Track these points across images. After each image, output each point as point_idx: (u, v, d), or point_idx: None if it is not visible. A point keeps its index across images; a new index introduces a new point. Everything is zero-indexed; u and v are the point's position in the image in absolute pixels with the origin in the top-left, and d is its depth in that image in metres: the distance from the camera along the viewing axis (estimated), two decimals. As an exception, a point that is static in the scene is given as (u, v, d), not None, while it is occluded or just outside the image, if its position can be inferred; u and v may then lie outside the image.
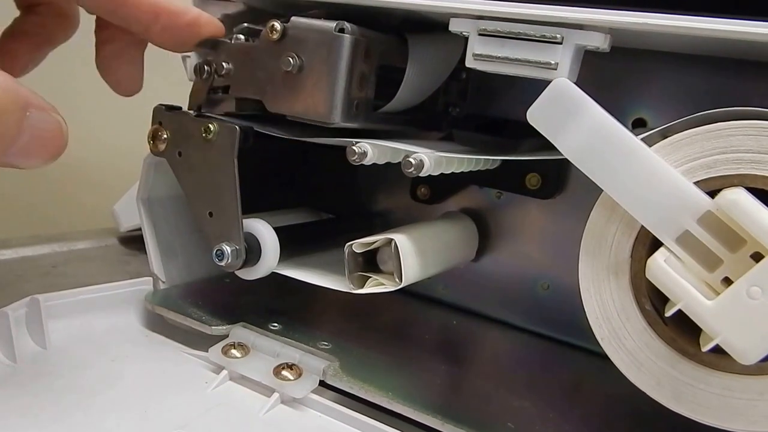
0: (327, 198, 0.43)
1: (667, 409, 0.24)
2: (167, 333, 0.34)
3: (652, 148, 0.24)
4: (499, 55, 0.27)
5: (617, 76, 0.34)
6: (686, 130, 0.24)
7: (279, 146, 0.33)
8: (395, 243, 0.30)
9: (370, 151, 0.28)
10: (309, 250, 0.36)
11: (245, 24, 0.31)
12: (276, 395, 0.29)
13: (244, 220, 0.31)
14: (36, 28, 0.30)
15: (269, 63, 0.30)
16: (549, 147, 0.25)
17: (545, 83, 0.25)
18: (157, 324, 0.35)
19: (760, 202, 0.22)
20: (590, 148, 0.24)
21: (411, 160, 0.28)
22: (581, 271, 0.26)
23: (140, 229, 0.36)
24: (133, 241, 0.50)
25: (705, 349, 0.23)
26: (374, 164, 0.29)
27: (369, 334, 0.35)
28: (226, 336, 0.33)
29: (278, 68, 0.30)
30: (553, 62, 0.26)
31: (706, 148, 0.23)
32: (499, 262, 0.39)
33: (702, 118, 0.24)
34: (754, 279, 0.21)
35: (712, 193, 0.23)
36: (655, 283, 0.23)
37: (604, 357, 0.26)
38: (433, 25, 0.31)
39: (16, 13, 0.30)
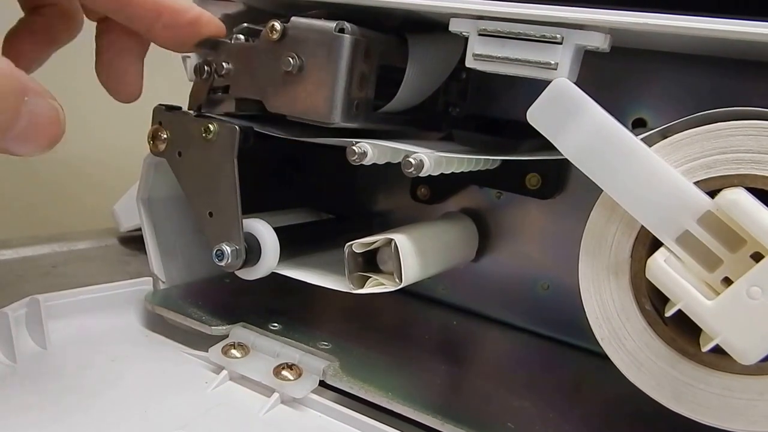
0: (327, 198, 0.43)
1: (667, 409, 0.24)
2: (167, 333, 0.34)
3: (652, 148, 0.24)
4: (499, 55, 0.27)
5: (617, 76, 0.34)
6: (686, 130, 0.24)
7: (279, 146, 0.33)
8: (395, 243, 0.30)
9: (370, 151, 0.28)
10: (309, 250, 0.36)
11: (245, 24, 0.31)
12: (276, 395, 0.29)
13: (244, 220, 0.31)
14: (40, 29, 0.30)
15: (269, 63, 0.30)
16: (549, 147, 0.25)
17: (545, 83, 0.25)
18: (157, 324, 0.35)
19: (760, 202, 0.22)
20: (590, 148, 0.24)
21: (411, 160, 0.28)
22: (581, 271, 0.26)
23: (140, 229, 0.36)
24: (133, 242, 0.50)
25: (705, 349, 0.23)
26: (374, 164, 0.29)
27: (369, 334, 0.35)
28: (226, 336, 0.33)
29: (278, 68, 0.30)
30: (553, 62, 0.26)
31: (706, 148, 0.23)
32: (499, 262, 0.39)
33: (702, 118, 0.24)
34: (754, 279, 0.21)
35: (712, 193, 0.23)
36: (655, 283, 0.23)
37: (604, 357, 0.26)
38: (433, 25, 0.31)
39: (21, 14, 0.30)
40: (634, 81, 0.34)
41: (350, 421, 0.28)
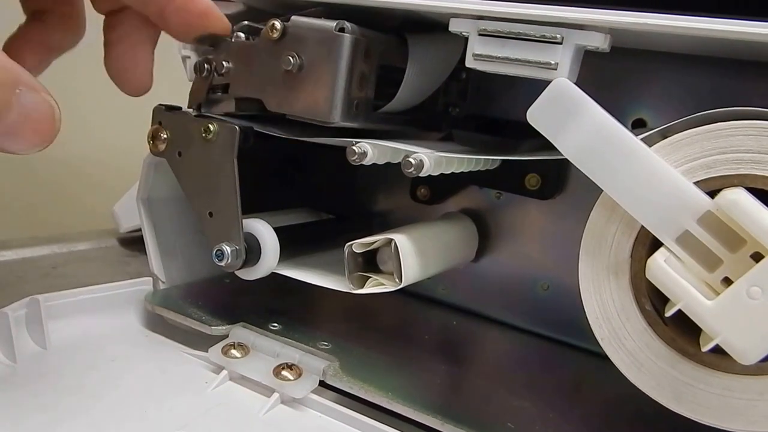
0: (327, 198, 0.43)
1: (668, 409, 0.24)
2: (167, 333, 0.34)
3: (652, 148, 0.24)
4: (499, 55, 0.27)
5: (617, 76, 0.34)
6: (686, 130, 0.24)
7: (279, 146, 0.33)
8: (395, 243, 0.30)
9: (370, 151, 0.28)
10: (309, 250, 0.36)
11: (245, 22, 0.31)
12: (276, 395, 0.29)
13: (244, 220, 0.31)
14: (42, 35, 0.29)
15: (269, 62, 0.30)
16: (549, 147, 0.25)
17: (545, 83, 0.24)
18: (157, 324, 0.35)
19: (760, 202, 0.22)
20: (590, 149, 0.24)
21: (411, 160, 0.28)
22: (581, 271, 0.26)
23: (140, 230, 0.36)
24: (133, 242, 0.51)
25: (705, 349, 0.23)
26: (374, 164, 0.29)
27: (369, 334, 0.35)
28: (226, 336, 0.33)
29: (278, 67, 0.29)
30: (553, 62, 0.26)
31: (706, 148, 0.23)
32: (499, 262, 0.39)
33: (702, 118, 0.24)
34: (754, 279, 0.21)
35: (712, 193, 0.23)
36: (655, 283, 0.23)
37: (604, 357, 0.26)
38: (433, 25, 0.31)
39: (22, 18, 0.30)
40: (634, 81, 0.34)
41: (350, 421, 0.28)
